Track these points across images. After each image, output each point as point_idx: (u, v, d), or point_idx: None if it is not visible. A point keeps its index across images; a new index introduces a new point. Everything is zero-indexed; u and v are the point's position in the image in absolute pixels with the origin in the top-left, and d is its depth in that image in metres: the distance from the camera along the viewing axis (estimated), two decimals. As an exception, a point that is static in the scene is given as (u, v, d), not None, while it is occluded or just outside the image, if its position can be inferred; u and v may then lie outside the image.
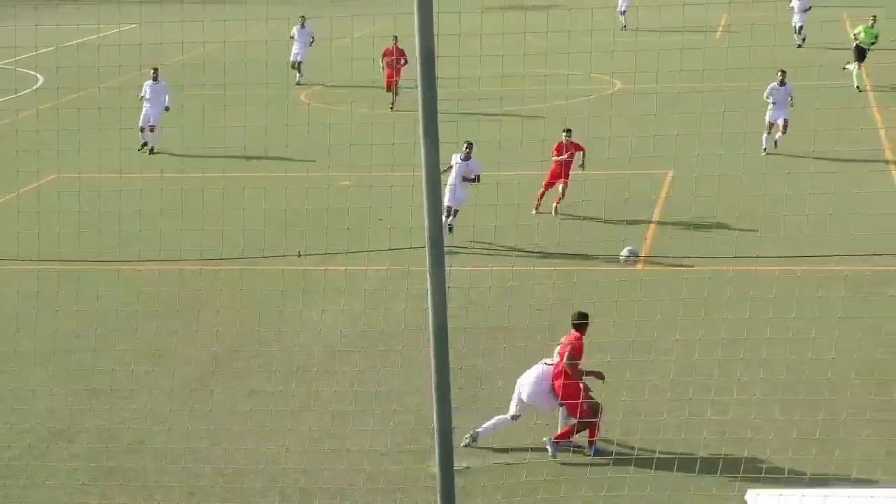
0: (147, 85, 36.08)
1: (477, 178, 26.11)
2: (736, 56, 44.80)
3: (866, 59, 41.37)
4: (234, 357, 20.67)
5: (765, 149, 32.07)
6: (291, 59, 46.92)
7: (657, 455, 16.60)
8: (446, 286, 10.64)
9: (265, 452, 17.10)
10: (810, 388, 18.00)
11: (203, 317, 21.62)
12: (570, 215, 27.49)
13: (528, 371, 17.28)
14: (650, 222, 27.25)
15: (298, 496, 16.09)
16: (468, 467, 16.41)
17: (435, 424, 10.93)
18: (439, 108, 10.17)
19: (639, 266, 23.43)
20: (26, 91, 42.28)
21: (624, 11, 57.01)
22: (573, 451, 16.91)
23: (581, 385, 16.88)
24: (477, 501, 15.66)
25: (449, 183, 25.77)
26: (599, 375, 17.17)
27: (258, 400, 18.82)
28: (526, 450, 16.97)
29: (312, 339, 21.03)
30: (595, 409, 16.92)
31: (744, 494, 13.58)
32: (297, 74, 46.96)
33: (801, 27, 50.72)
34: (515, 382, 17.26)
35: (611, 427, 17.22)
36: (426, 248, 10.46)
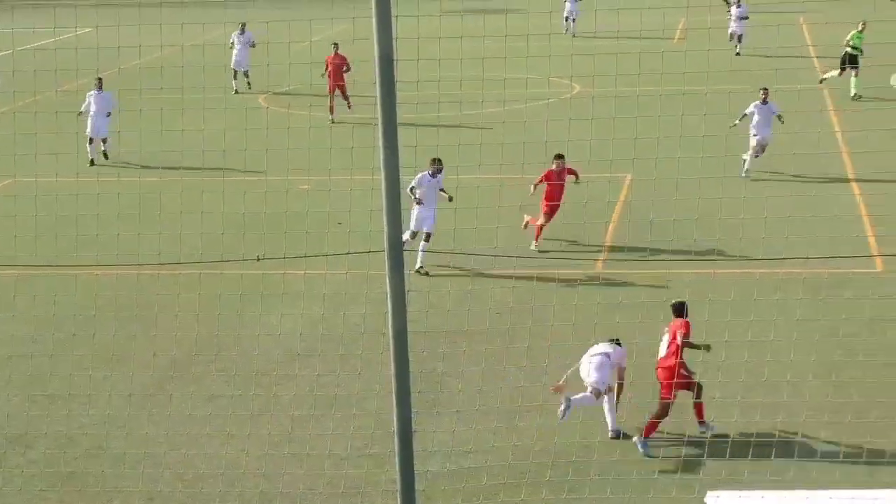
0: (91, 95, 35.16)
1: (450, 198, 24.84)
2: (694, 60, 44.96)
3: (859, 66, 40.72)
4: (192, 361, 20.58)
5: (747, 170, 30.73)
6: (233, 66, 45.96)
7: (617, 457, 16.64)
8: (406, 290, 10.63)
9: (224, 457, 17.03)
10: (769, 390, 18.07)
11: (161, 321, 21.53)
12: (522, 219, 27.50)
13: (592, 351, 17.75)
14: (609, 224, 27.30)
15: (258, 501, 16.03)
16: (429, 471, 16.40)
17: (395, 428, 10.91)
18: (398, 111, 10.16)
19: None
20: (-18, 95, 42.00)
21: (571, 18, 56.79)
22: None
23: (685, 373, 17.34)
24: (437, 505, 15.64)
25: (415, 204, 24.65)
26: (707, 348, 17.76)
27: (217, 404, 18.75)
28: (487, 453, 16.96)
29: (272, 344, 20.96)
30: (667, 407, 17.19)
31: (703, 496, 13.64)
32: (236, 82, 45.83)
33: (739, 35, 50.77)
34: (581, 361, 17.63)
35: (570, 430, 17.24)
36: (385, 252, 10.44)
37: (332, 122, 38.25)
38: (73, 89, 35.97)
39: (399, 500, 10.93)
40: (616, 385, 17.87)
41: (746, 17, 50.61)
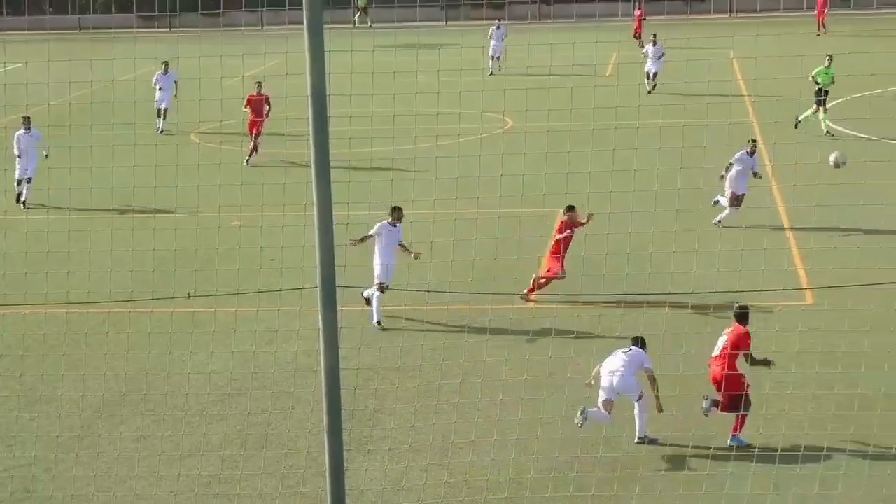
0: (19, 136, 34.44)
1: (415, 256, 24.10)
2: (626, 94, 45.28)
3: (827, 103, 40.06)
4: (122, 401, 20.33)
5: (719, 220, 29.56)
6: (156, 105, 45.36)
7: (549, 494, 16.59)
8: (338, 326, 10.53)
9: (154, 498, 16.81)
10: (701, 421, 18.09)
11: (90, 360, 21.26)
12: (461, 253, 27.43)
13: (609, 360, 18.35)
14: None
15: (189, 542, 15.82)
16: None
17: (326, 467, 10.80)
18: (330, 146, 10.09)
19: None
20: None
21: (496, 56, 56.54)
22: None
23: (743, 375, 17.99)
24: (370, 544, 15.50)
25: (378, 255, 23.78)
26: (767, 363, 18.38)
27: (146, 445, 18.52)
28: (419, 490, 16.85)
29: (202, 382, 20.75)
30: (749, 400, 17.86)
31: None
32: (160, 121, 45.11)
33: (654, 73, 50.67)
34: (599, 371, 18.27)
35: (503, 467, 17.18)
36: (318, 289, 10.35)
37: (248, 164, 37.88)
38: (3, 125, 35.58)
39: (330, 540, 10.80)
40: (648, 387, 18.32)
41: (662, 56, 50.63)
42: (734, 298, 21.48)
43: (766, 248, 24.21)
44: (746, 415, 17.96)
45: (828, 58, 40.33)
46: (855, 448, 17.58)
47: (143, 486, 17.11)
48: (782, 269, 24.93)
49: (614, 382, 18.18)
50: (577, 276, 24.34)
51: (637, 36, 64.76)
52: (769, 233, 27.60)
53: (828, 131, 39.77)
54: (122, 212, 30.02)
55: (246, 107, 39.81)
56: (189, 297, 20.96)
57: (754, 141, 30.40)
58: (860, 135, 38.33)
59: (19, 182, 34.53)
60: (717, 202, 30.06)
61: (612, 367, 18.36)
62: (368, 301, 23.50)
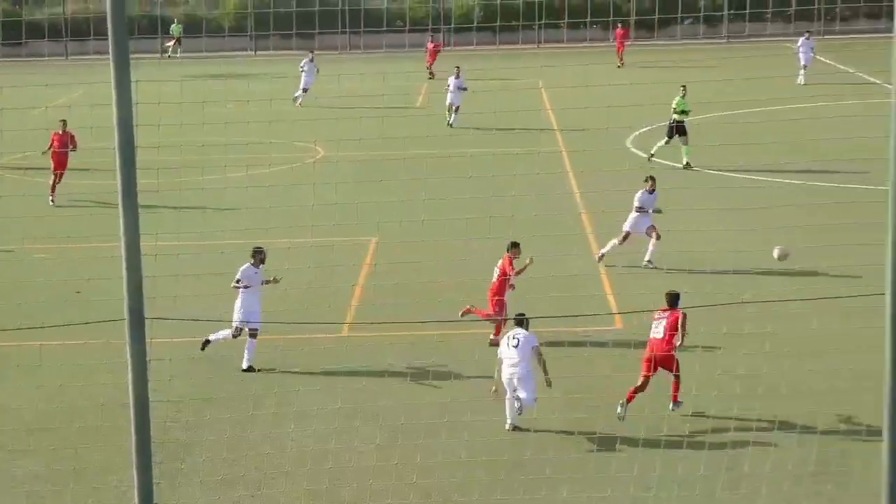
0: None
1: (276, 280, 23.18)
2: (438, 123, 45.58)
3: (686, 134, 39.06)
4: (-78, 439, 19.67)
5: (602, 256, 28.44)
6: None
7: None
8: (147, 358, 10.36)
9: (-43, 538, 16.29)
10: (514, 447, 18.25)
11: None
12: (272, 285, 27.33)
13: (505, 356, 19.22)
14: (355, 287, 27.27)
15: (-7, 583, 15.37)
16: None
17: (136, 501, 10.59)
18: (138, 177, 9.94)
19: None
20: None
21: (302, 89, 55.32)
22: None
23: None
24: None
25: (240, 300, 22.67)
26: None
27: (-51, 483, 17.94)
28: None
29: (6, 418, 20.20)
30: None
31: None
32: None
33: (457, 106, 49.34)
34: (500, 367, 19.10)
35: (317, 496, 17.08)
36: (126, 321, 10.17)
37: (53, 204, 36.32)
38: None
39: (141, 576, 10.58)
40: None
41: (465, 88, 49.45)
42: (548, 324, 21.76)
43: (576, 275, 24.63)
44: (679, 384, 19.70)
45: (682, 88, 39.70)
46: (663, 468, 17.88)
47: (-55, 526, 16.59)
48: (591, 295, 25.33)
49: (515, 381, 19.08)
50: (391, 303, 24.34)
51: (429, 68, 64.26)
52: (578, 259, 28.02)
53: (687, 163, 39.04)
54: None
55: (50, 147, 38.07)
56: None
57: (653, 178, 28.96)
58: (666, 162, 39.19)
59: None
60: (602, 258, 28.46)
61: (510, 363, 19.21)
62: (206, 344, 22.64)
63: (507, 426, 19.22)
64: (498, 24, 70.78)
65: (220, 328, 22.42)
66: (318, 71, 53.86)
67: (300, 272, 26.13)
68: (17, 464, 18.50)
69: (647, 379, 19.48)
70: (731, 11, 75.05)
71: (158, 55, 74.72)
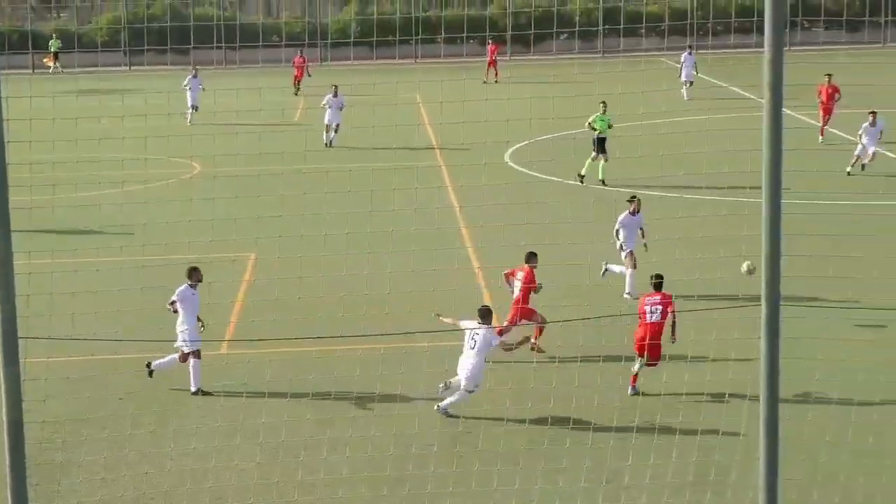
0: None
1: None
2: (316, 138, 45.45)
3: (607, 150, 39.15)
4: None
5: (628, 295, 27.11)
6: None
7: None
8: (21, 379, 10.16)
9: None
10: (396, 462, 18.22)
11: None
12: (150, 301, 26.99)
13: (464, 352, 20.54)
14: (234, 304, 27.05)
15: None
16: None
17: (11, 526, 10.37)
18: (10, 195, 9.75)
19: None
20: None
21: (195, 106, 54.39)
22: None
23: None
24: None
25: (183, 321, 22.08)
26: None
27: None
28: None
29: None
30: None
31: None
32: None
33: (336, 125, 48.78)
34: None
35: (199, 516, 16.90)
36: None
37: None
38: None
39: None
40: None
41: (343, 107, 48.79)
42: (430, 339, 21.78)
43: (455, 289, 24.59)
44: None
45: (602, 104, 39.62)
46: (544, 481, 17.96)
47: None
48: (473, 309, 25.35)
49: (465, 376, 20.34)
50: (270, 320, 24.17)
51: (296, 83, 63.77)
52: (458, 273, 28.07)
53: (602, 179, 38.97)
54: None
55: None
56: None
57: (636, 198, 28.05)
58: (540, 175, 39.46)
59: None
60: (607, 271, 27.57)
61: (466, 358, 20.49)
62: (151, 373, 22.11)
63: (436, 406, 20.30)
64: (374, 38, 70.88)
65: (96, 348, 22.08)
66: (203, 88, 53.27)
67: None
68: None
69: (659, 355, 21.04)
70: (607, 27, 75.88)
71: (30, 71, 73.66)
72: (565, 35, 77.88)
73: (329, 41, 77.25)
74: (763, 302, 9.43)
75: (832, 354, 21.30)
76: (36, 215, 26.39)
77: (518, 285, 23.68)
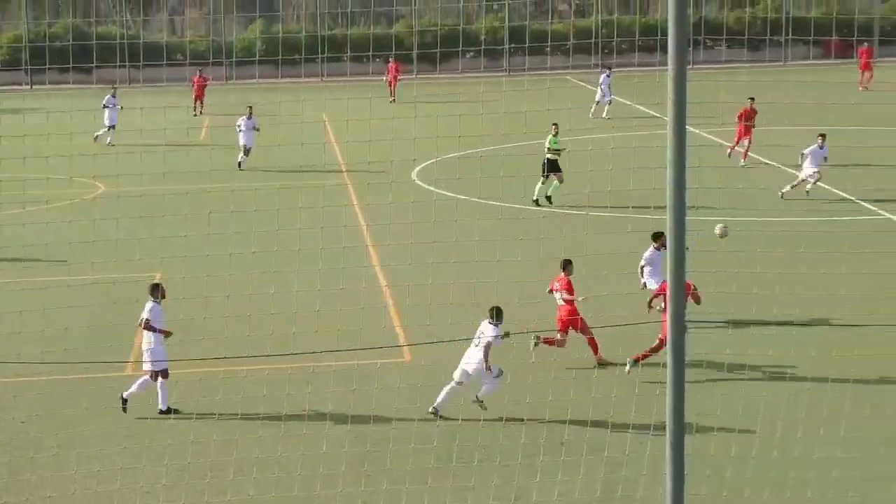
0: None
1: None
2: (221, 158, 45.18)
3: (559, 170, 38.62)
4: None
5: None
6: None
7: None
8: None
9: None
10: (304, 483, 18.10)
11: None
12: (52, 322, 26.63)
13: (470, 352, 20.92)
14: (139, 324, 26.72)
15: None
16: None
17: None
18: None
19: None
20: None
21: (111, 125, 53.44)
22: None
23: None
24: None
25: (151, 340, 21.54)
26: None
27: None
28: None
29: None
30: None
31: None
32: None
33: (249, 148, 47.88)
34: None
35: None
36: None
37: None
38: None
39: None
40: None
41: (257, 129, 48.21)
42: (337, 357, 21.68)
43: (363, 307, 24.54)
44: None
45: (553, 126, 39.34)
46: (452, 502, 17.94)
47: None
48: (381, 327, 25.32)
49: (470, 371, 20.83)
50: (175, 340, 23.92)
51: (196, 103, 62.64)
52: (366, 291, 27.99)
53: (549, 196, 38.65)
54: None
55: None
56: None
57: (662, 234, 25.10)
58: (447, 193, 39.48)
59: None
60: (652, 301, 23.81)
61: (468, 358, 20.90)
62: (125, 403, 21.37)
63: (430, 409, 20.73)
64: (280, 57, 70.59)
65: (14, 370, 21.73)
66: (120, 107, 52.31)
67: (81, 309, 25.54)
68: None
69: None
70: (512, 45, 76.22)
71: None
72: (471, 53, 78.12)
73: (234, 59, 76.82)
74: (669, 314, 9.46)
75: (736, 371, 21.48)
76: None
77: (558, 296, 23.77)
